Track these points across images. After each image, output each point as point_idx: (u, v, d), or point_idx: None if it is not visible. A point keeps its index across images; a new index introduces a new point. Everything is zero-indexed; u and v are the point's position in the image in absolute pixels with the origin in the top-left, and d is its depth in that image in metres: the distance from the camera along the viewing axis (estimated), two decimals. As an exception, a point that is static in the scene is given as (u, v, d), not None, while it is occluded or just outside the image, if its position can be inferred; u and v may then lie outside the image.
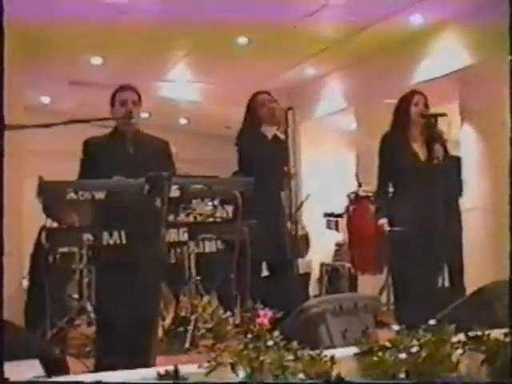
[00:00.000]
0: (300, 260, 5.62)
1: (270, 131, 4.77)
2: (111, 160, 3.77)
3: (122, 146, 3.84)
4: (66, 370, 2.57)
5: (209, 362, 2.24)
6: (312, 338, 3.00)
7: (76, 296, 5.49)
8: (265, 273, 4.71)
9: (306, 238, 7.81)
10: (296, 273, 4.86)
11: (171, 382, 2.11)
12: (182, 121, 10.85)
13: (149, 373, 2.16)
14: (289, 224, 4.75)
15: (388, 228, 4.44)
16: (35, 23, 6.08)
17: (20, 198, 6.15)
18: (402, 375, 2.39)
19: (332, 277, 8.47)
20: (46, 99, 9.24)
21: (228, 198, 3.84)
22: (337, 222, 7.31)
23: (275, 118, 4.71)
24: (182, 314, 5.17)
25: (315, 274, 8.58)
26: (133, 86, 4.02)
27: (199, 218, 4.82)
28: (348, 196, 6.76)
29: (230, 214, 4.70)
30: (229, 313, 2.39)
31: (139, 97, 3.97)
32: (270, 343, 2.28)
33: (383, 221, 4.47)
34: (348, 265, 7.06)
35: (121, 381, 2.13)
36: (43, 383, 2.00)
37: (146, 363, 3.10)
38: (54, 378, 2.17)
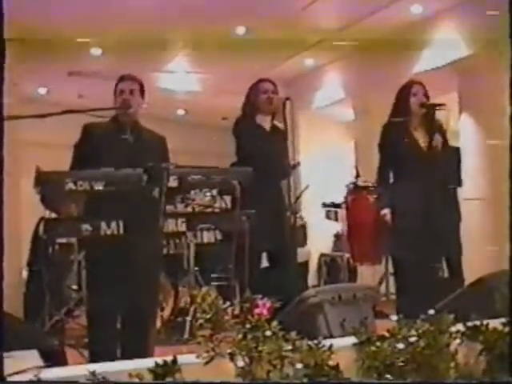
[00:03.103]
0: (299, 249, 5.61)
1: (265, 121, 4.75)
2: (110, 147, 3.74)
3: (121, 134, 3.80)
4: (64, 361, 2.57)
5: (207, 352, 2.24)
6: (310, 328, 3.00)
7: (75, 287, 5.49)
8: (264, 263, 4.71)
9: (304, 228, 7.80)
10: (295, 263, 4.86)
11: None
12: (180, 112, 10.82)
13: (147, 363, 2.16)
14: (288, 214, 4.74)
15: (390, 218, 4.43)
16: (34, 14, 6.06)
17: (18, 189, 6.14)
18: (400, 365, 2.39)
19: (331, 267, 8.46)
20: (43, 90, 9.21)
21: (226, 189, 3.83)
22: (336, 212, 7.29)
23: (271, 108, 4.69)
24: (181, 304, 5.19)
25: (314, 264, 8.57)
26: (133, 75, 3.95)
27: (198, 209, 4.82)
28: (347, 186, 6.75)
29: (229, 205, 4.69)
30: (228, 303, 2.38)
31: (141, 86, 3.91)
32: (269, 333, 2.28)
33: (386, 211, 4.46)
34: (347, 255, 7.05)
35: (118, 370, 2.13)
36: (42, 383, 1.99)
37: (145, 353, 3.12)
38: (52, 371, 2.17)
